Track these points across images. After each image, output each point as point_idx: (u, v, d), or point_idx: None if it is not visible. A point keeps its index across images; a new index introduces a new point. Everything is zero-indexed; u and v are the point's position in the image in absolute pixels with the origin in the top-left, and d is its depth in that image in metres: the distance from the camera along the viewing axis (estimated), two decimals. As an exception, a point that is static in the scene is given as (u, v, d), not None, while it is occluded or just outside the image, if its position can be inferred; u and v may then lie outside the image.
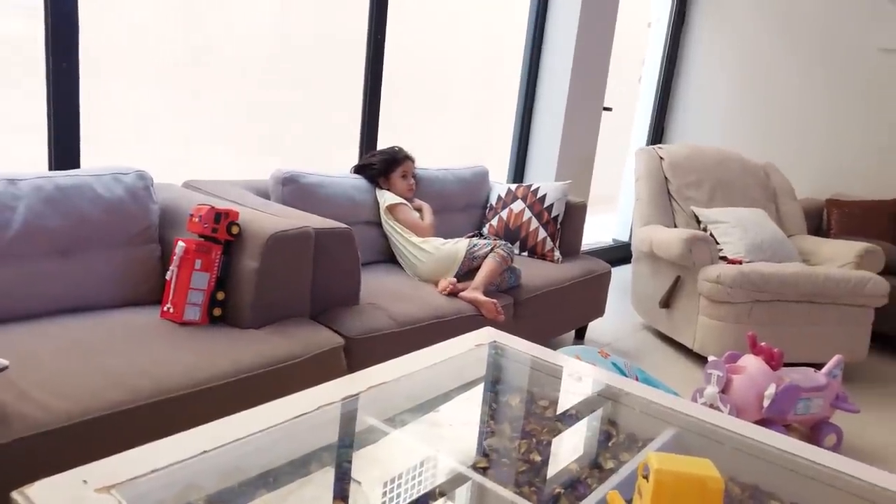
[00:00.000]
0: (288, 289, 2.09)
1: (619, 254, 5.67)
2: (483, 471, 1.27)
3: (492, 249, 2.78)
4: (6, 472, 1.31)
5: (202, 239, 2.01)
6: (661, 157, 4.10)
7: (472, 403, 1.60)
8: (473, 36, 4.52)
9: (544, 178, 4.42)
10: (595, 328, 3.86)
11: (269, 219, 2.10)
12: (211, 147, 3.17)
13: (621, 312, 4.28)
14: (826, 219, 4.50)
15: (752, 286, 3.23)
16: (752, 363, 2.56)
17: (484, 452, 1.34)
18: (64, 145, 2.38)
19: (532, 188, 3.50)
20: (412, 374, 1.56)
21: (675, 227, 3.94)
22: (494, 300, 2.65)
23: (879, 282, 3.38)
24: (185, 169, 2.83)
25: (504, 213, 3.52)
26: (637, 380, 2.36)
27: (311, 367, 1.92)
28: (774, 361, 2.57)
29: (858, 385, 3.47)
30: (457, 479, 1.24)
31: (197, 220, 1.99)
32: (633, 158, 4.21)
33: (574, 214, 3.62)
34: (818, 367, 2.92)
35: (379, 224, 3.03)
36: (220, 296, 2.03)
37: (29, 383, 1.48)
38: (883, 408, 3.20)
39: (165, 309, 1.97)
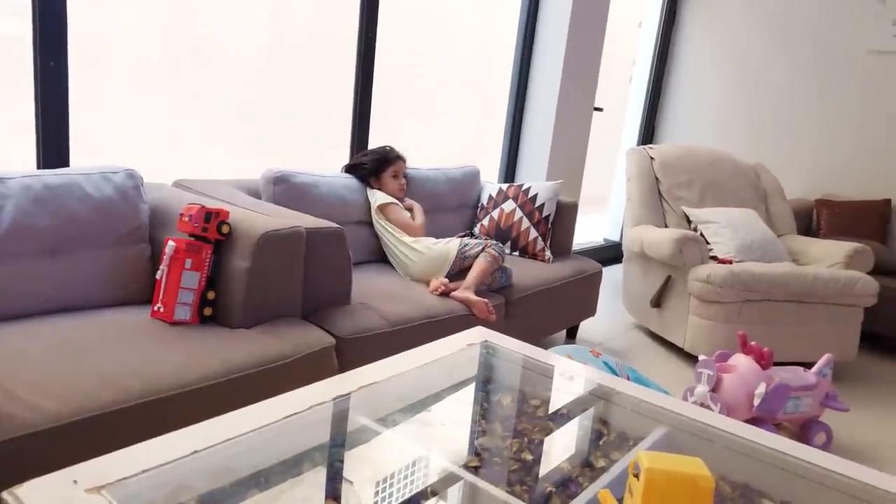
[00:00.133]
0: (279, 288, 2.08)
1: (611, 253, 5.68)
2: (475, 470, 1.27)
3: (483, 249, 2.78)
4: (-5, 472, 1.31)
5: (192, 238, 2.00)
6: (652, 158, 4.11)
7: (463, 403, 1.60)
8: (465, 35, 4.52)
9: (535, 178, 4.43)
10: (586, 328, 3.87)
11: (260, 218, 2.09)
12: (201, 146, 3.16)
13: (612, 312, 4.29)
14: (816, 219, 4.52)
15: (742, 286, 3.24)
16: (742, 362, 2.57)
17: (476, 452, 1.34)
18: (53, 144, 2.37)
19: (523, 188, 3.51)
20: (404, 374, 1.56)
21: (666, 227, 3.95)
22: (486, 300, 2.65)
23: (869, 281, 3.40)
24: (175, 168, 2.82)
25: (495, 213, 3.53)
26: (628, 379, 2.36)
27: (303, 367, 1.92)
28: (764, 360, 2.58)
29: (848, 384, 3.49)
30: (448, 479, 1.24)
31: (187, 219, 1.98)
32: (624, 158, 4.22)
33: (565, 214, 3.62)
34: (808, 366, 2.94)
35: (370, 224, 3.03)
36: (211, 295, 2.02)
37: (18, 383, 1.47)
38: (872, 406, 3.21)
39: (156, 309, 1.96)
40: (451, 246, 2.82)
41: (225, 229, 2.03)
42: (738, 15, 5.26)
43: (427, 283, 2.75)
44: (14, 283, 1.87)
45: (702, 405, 2.51)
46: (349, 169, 3.12)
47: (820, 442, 2.63)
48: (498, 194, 3.57)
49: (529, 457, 1.34)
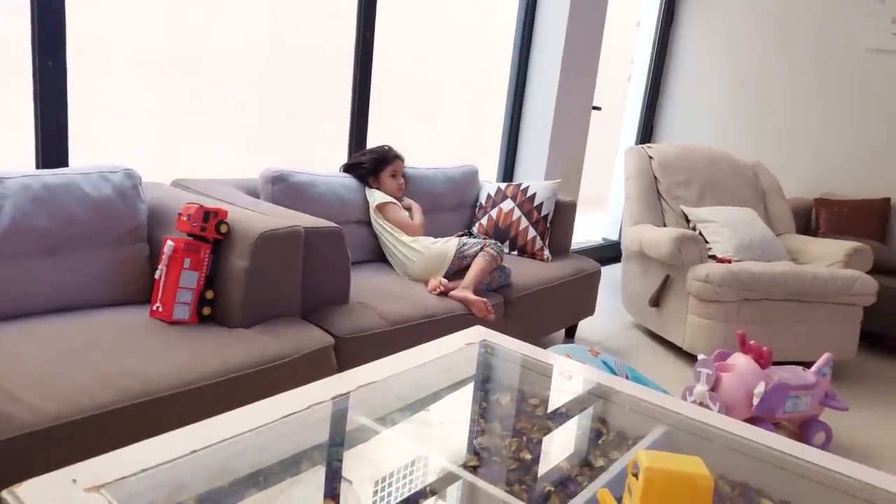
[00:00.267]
0: (278, 288, 2.08)
1: (609, 253, 5.68)
2: (473, 469, 1.27)
3: (482, 248, 2.78)
4: (-7, 472, 1.31)
5: (191, 238, 2.00)
6: (651, 157, 4.11)
7: (462, 402, 1.60)
8: (463, 35, 4.52)
9: (534, 177, 4.43)
10: (585, 327, 3.87)
11: (258, 218, 2.09)
12: (200, 146, 3.16)
13: (611, 311, 4.29)
14: (815, 218, 4.52)
15: (741, 285, 3.25)
16: (741, 361, 2.57)
17: (474, 451, 1.34)
18: (51, 144, 2.36)
19: (522, 187, 3.51)
20: (402, 373, 1.56)
21: (665, 226, 3.95)
22: (484, 299, 2.65)
23: (868, 280, 3.40)
24: (173, 168, 2.81)
25: (494, 213, 3.53)
26: (627, 378, 2.37)
27: (301, 367, 1.92)
28: (763, 360, 2.58)
29: (847, 383, 3.49)
30: (447, 478, 1.24)
31: (186, 218, 1.98)
32: (623, 158, 4.22)
33: (564, 213, 3.62)
34: (807, 365, 2.94)
35: (369, 223, 3.03)
36: (210, 295, 2.02)
37: (17, 383, 1.47)
38: (871, 406, 3.22)
39: (154, 308, 1.96)
40: (449, 245, 2.82)
41: (223, 229, 2.03)
42: (736, 14, 5.26)
43: (426, 283, 2.75)
44: (13, 282, 1.87)
45: (701, 404, 2.51)
46: (347, 168, 3.11)
47: (819, 441, 2.63)
48: (496, 193, 3.57)
49: (528, 456, 1.34)
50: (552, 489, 1.23)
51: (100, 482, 0.99)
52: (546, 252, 3.45)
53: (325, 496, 1.16)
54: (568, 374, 1.77)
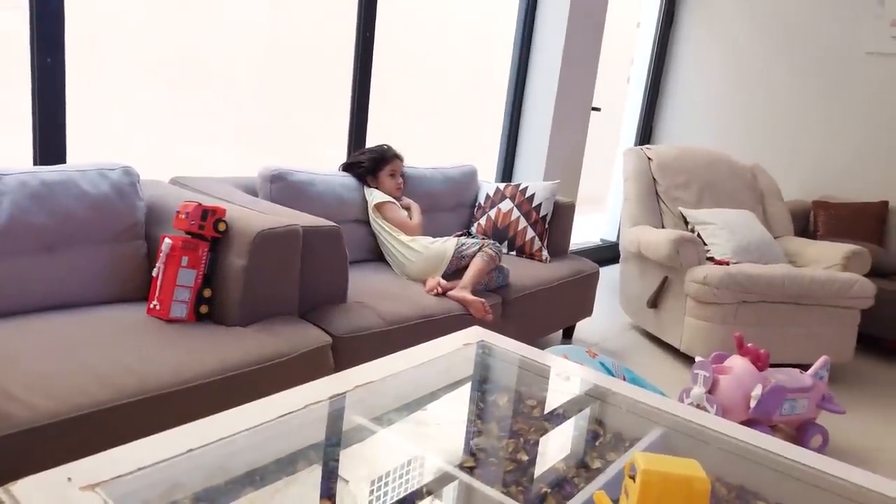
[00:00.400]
0: (275, 287, 2.08)
1: (608, 254, 5.68)
2: (470, 470, 1.26)
3: (480, 248, 2.78)
4: (-11, 470, 1.30)
5: (189, 236, 2.00)
6: (650, 158, 4.11)
7: (459, 403, 1.60)
8: (463, 34, 4.52)
9: (533, 177, 4.43)
10: (583, 328, 3.87)
11: (256, 216, 2.09)
12: (198, 143, 3.15)
13: (609, 312, 4.29)
14: (813, 220, 4.52)
15: (739, 287, 3.25)
16: (738, 364, 2.57)
17: (471, 452, 1.34)
18: (49, 141, 2.36)
19: (520, 187, 3.50)
20: (400, 373, 1.56)
21: (663, 227, 3.96)
22: (482, 299, 2.65)
23: (865, 283, 3.40)
24: (172, 165, 2.81)
25: (492, 213, 3.52)
26: (625, 379, 2.37)
27: (299, 366, 1.91)
28: (761, 362, 2.58)
29: (844, 386, 3.50)
30: (444, 479, 1.24)
31: (184, 216, 1.98)
32: (622, 159, 4.22)
33: (562, 214, 3.62)
34: (804, 368, 2.94)
35: (367, 223, 3.03)
36: (207, 293, 2.01)
37: (13, 381, 1.47)
38: (868, 409, 3.22)
39: (152, 306, 1.95)
40: (448, 245, 2.81)
41: (221, 227, 2.03)
42: (736, 16, 5.26)
43: (424, 283, 2.75)
44: (10, 279, 1.86)
45: (698, 406, 2.51)
46: (346, 167, 3.11)
47: (816, 444, 2.64)
48: (495, 194, 3.57)
49: (525, 457, 1.34)
50: (549, 490, 1.23)
51: (95, 481, 0.99)
52: (544, 253, 3.45)
53: (322, 496, 1.16)
54: (565, 376, 1.77)
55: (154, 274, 1.97)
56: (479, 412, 1.55)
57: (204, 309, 2.01)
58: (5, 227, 1.85)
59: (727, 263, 3.51)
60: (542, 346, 2.34)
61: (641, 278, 3.82)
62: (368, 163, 3.06)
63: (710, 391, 2.54)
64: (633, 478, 1.03)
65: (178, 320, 1.95)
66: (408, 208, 3.10)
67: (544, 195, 3.48)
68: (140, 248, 2.17)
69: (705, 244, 3.70)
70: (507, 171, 4.55)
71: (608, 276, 5.09)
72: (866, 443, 2.84)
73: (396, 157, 3.10)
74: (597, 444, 1.45)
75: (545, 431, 1.48)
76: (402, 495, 1.16)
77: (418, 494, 1.17)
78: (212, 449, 1.13)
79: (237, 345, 1.83)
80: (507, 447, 1.37)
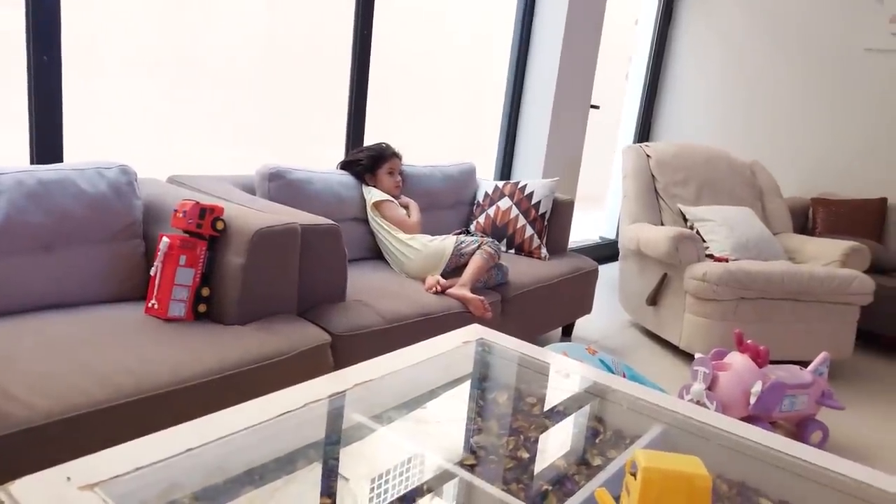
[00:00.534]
0: (274, 285, 2.07)
1: (607, 251, 5.68)
2: (470, 468, 1.26)
3: (479, 246, 2.78)
4: (-13, 470, 1.30)
5: (187, 235, 1.99)
6: (649, 155, 4.10)
7: (459, 400, 1.59)
8: (461, 32, 4.51)
9: (531, 175, 4.43)
10: (582, 325, 3.87)
11: (254, 215, 2.08)
12: (196, 142, 3.15)
13: (608, 310, 4.29)
14: (812, 217, 4.52)
15: (738, 284, 3.24)
16: (738, 360, 2.57)
17: (471, 449, 1.34)
18: (46, 139, 2.35)
19: (519, 185, 3.50)
20: (399, 371, 1.55)
21: (662, 224, 3.95)
22: (482, 297, 2.64)
23: (865, 280, 3.40)
24: (169, 164, 2.81)
25: (491, 211, 3.52)
26: (624, 377, 2.36)
27: (298, 364, 1.91)
28: (760, 359, 2.58)
29: (844, 382, 3.50)
30: (444, 477, 1.23)
31: (181, 215, 1.97)
32: (621, 156, 4.22)
33: (561, 212, 3.62)
34: (804, 364, 2.94)
35: (366, 221, 3.02)
36: (206, 292, 2.01)
37: (10, 380, 1.46)
38: (868, 405, 3.22)
39: (150, 305, 1.95)
40: (446, 243, 2.81)
41: (219, 225, 2.02)
42: (734, 13, 5.26)
43: (423, 281, 2.74)
44: (7, 279, 1.85)
45: (698, 403, 2.51)
46: (345, 166, 3.11)
47: (816, 440, 2.63)
48: (494, 191, 3.57)
49: (525, 455, 1.34)
50: (549, 488, 1.23)
51: (94, 480, 0.98)
52: (543, 250, 3.45)
53: (322, 494, 1.15)
54: (565, 373, 1.76)
55: (152, 273, 1.96)
56: (479, 410, 1.55)
57: (202, 308, 2.00)
58: (2, 226, 1.85)
59: (726, 260, 3.51)
60: (542, 344, 2.34)
61: (641, 275, 3.81)
62: (367, 161, 3.05)
63: (710, 388, 2.54)
64: (634, 475, 1.03)
65: (177, 319, 1.94)
66: (406, 206, 3.09)
67: (543, 193, 3.47)
68: (138, 246, 2.17)
69: (704, 241, 3.70)
70: (505, 168, 4.55)
71: (607, 273, 5.09)
72: (866, 439, 2.84)
73: (395, 155, 3.10)
74: (597, 441, 1.45)
75: (545, 429, 1.48)
76: (402, 493, 1.16)
77: (418, 492, 1.17)
78: (211, 448, 1.13)
79: (236, 344, 1.83)
80: (507, 445, 1.37)
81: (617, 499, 1.09)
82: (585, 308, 3.61)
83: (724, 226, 3.70)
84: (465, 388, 1.65)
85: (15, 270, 1.87)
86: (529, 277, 3.07)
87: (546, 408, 1.59)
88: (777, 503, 1.29)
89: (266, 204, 2.41)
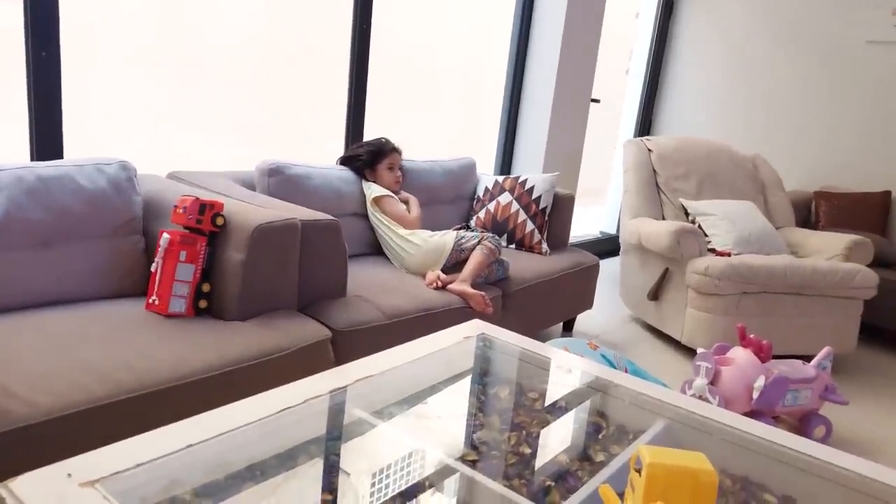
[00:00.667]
0: (274, 281, 2.07)
1: (608, 246, 5.67)
2: (472, 463, 1.25)
3: (479, 242, 2.77)
4: (-13, 467, 1.29)
5: (187, 230, 1.99)
6: (650, 150, 4.09)
7: (460, 396, 1.59)
8: (460, 26, 4.50)
9: (532, 170, 4.41)
10: (583, 320, 3.86)
11: (254, 210, 2.08)
12: (195, 138, 3.14)
13: (610, 305, 4.28)
14: (814, 211, 4.51)
15: (741, 278, 3.24)
16: (740, 355, 2.56)
17: (473, 445, 1.33)
18: (46, 135, 2.34)
19: (520, 180, 3.49)
20: (400, 367, 1.55)
21: (664, 219, 3.94)
22: (482, 292, 2.64)
23: (868, 274, 3.39)
24: (169, 159, 2.80)
25: (491, 206, 3.51)
26: (626, 371, 2.36)
27: (299, 360, 1.91)
28: (763, 353, 2.58)
29: (847, 376, 3.49)
30: (445, 472, 1.23)
31: (181, 211, 1.97)
32: (622, 150, 4.20)
33: (562, 206, 3.61)
34: (807, 359, 2.93)
35: (366, 216, 3.02)
36: (206, 288, 2.00)
37: (11, 377, 1.46)
38: (872, 399, 3.21)
39: (150, 301, 1.94)
40: (447, 238, 2.80)
41: (219, 221, 2.02)
42: (735, 5, 5.24)
43: (423, 276, 2.74)
44: (7, 276, 1.85)
45: (700, 398, 2.51)
46: (344, 161, 3.10)
47: (819, 435, 2.63)
48: (494, 186, 3.56)
49: (527, 450, 1.33)
50: (552, 483, 1.22)
51: (95, 476, 0.98)
52: (544, 245, 3.44)
53: (323, 489, 1.15)
54: (567, 368, 1.76)
55: (152, 269, 1.96)
56: (480, 405, 1.54)
57: (203, 304, 2.00)
58: (2, 223, 1.84)
59: (728, 254, 3.50)
60: (543, 339, 2.33)
61: (642, 270, 3.81)
62: (366, 156, 3.05)
63: (713, 382, 2.53)
64: (638, 471, 1.02)
65: (177, 315, 1.94)
66: (406, 202, 3.09)
67: (544, 187, 3.46)
68: (138, 243, 2.16)
69: (706, 235, 3.69)
70: (506, 163, 4.54)
71: (608, 268, 5.08)
72: (870, 433, 2.84)
73: (394, 151, 3.09)
74: (600, 436, 1.44)
75: (547, 424, 1.47)
76: (403, 488, 1.15)
77: (420, 488, 1.16)
78: (212, 444, 1.12)
79: (236, 339, 1.82)
80: (508, 440, 1.37)
81: (621, 495, 1.09)
82: (586, 303, 3.60)
83: (725, 220, 3.69)
84: (467, 383, 1.65)
85: (15, 267, 1.87)
86: (530, 272, 3.07)
87: (548, 403, 1.58)
88: (781, 498, 1.29)
89: (266, 199, 2.40)
